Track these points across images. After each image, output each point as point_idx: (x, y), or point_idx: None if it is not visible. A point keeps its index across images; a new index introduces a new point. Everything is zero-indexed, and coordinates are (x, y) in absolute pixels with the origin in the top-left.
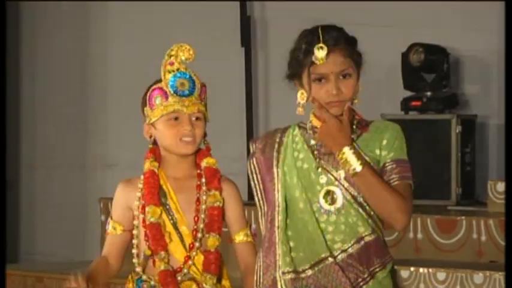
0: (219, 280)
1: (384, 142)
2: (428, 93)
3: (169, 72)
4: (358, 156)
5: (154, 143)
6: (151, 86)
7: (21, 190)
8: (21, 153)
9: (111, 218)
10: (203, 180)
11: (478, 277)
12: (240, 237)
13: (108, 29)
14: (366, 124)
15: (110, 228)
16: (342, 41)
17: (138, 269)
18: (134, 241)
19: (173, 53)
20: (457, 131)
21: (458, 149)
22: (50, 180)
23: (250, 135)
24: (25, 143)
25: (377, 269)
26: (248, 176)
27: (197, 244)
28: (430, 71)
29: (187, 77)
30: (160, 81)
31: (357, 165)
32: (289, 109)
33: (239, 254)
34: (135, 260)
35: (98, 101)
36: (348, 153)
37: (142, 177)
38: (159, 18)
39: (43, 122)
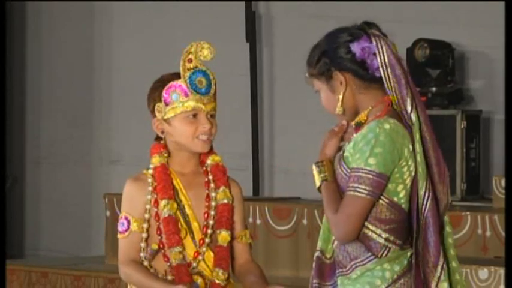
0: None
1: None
2: (433, 89)
3: (188, 69)
4: (322, 171)
5: (160, 138)
6: (159, 81)
7: (26, 186)
8: (26, 149)
9: (132, 217)
10: (210, 177)
11: (483, 273)
12: (240, 237)
13: (113, 26)
14: (361, 125)
15: (132, 226)
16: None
17: (145, 263)
18: (144, 235)
19: (192, 50)
20: (462, 126)
21: (463, 144)
22: (54, 176)
23: (255, 131)
24: (30, 139)
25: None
26: (253, 172)
27: (207, 240)
28: (435, 66)
29: (205, 75)
30: (171, 77)
31: (317, 182)
32: (294, 105)
33: (238, 251)
34: (142, 254)
35: (102, 97)
36: (314, 168)
37: (150, 171)
38: (163, 14)
39: (48, 117)
